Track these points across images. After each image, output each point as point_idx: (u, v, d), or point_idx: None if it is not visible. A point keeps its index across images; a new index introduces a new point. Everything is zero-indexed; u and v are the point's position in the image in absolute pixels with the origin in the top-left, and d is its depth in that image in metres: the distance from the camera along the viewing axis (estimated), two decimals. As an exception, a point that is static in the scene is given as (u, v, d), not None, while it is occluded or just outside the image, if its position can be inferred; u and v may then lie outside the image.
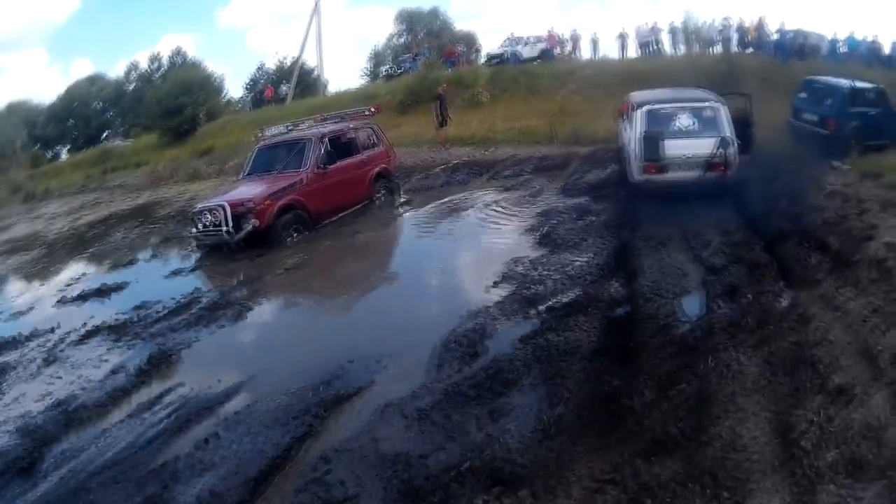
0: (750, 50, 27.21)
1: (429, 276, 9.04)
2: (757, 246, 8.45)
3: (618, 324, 6.45)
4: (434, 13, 51.26)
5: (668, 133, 10.72)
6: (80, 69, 72.43)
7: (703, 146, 10.54)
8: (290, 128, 12.95)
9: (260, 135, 13.07)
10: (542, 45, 32.56)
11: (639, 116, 11.08)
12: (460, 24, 32.21)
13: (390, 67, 42.00)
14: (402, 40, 49.03)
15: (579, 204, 11.72)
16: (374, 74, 45.34)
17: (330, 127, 12.47)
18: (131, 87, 48.10)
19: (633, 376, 5.26)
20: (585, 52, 32.44)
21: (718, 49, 27.80)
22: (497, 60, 32.57)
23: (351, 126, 12.71)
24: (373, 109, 14.46)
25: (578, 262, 8.28)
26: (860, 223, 8.46)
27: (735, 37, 27.85)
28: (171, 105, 33.42)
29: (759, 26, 27.17)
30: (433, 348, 6.08)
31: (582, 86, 26.58)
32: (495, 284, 7.75)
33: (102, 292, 9.70)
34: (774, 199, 10.23)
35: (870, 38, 25.61)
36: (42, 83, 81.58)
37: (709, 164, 10.49)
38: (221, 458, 4.68)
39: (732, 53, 26.61)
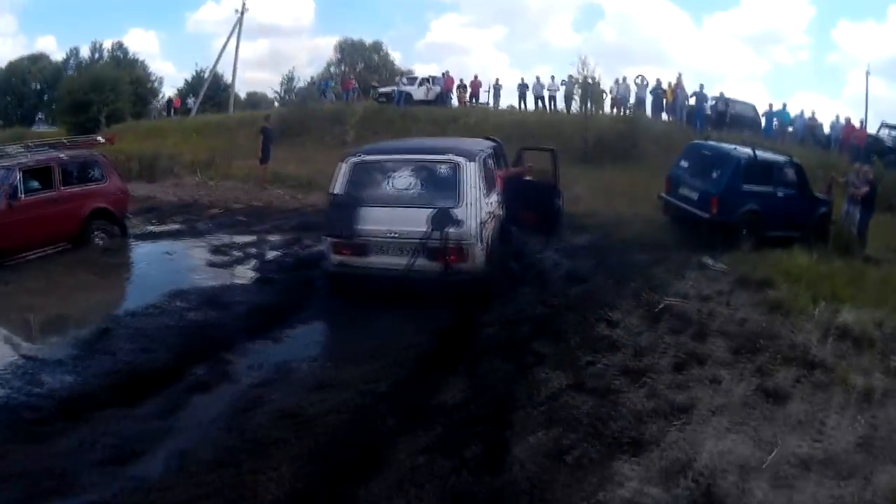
0: (664, 115, 22.40)
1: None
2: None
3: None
4: (376, 47, 49.51)
5: (372, 197, 7.22)
6: (44, 45, 66.62)
7: (419, 221, 6.87)
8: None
9: None
10: (437, 88, 27.63)
11: (341, 171, 7.47)
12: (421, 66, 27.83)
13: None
14: (340, 69, 46.38)
15: (230, 302, 7.25)
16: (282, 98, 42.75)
17: (31, 157, 10.68)
18: (69, 73, 43.61)
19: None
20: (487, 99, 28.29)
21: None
22: (384, 99, 28.67)
23: (62, 157, 10.86)
24: (102, 140, 12.91)
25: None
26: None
27: (650, 98, 23.17)
28: (80, 100, 31.01)
29: (677, 87, 22.53)
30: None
31: (462, 134, 21.65)
32: None
33: None
34: (547, 321, 6.57)
35: (808, 114, 21.21)
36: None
37: (426, 249, 6.80)
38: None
39: (637, 115, 22.63)
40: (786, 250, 9.08)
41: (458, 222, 6.62)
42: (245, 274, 8.81)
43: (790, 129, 22.26)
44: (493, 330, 6.27)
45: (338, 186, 7.26)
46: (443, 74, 28.88)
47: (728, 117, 21.69)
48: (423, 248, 6.66)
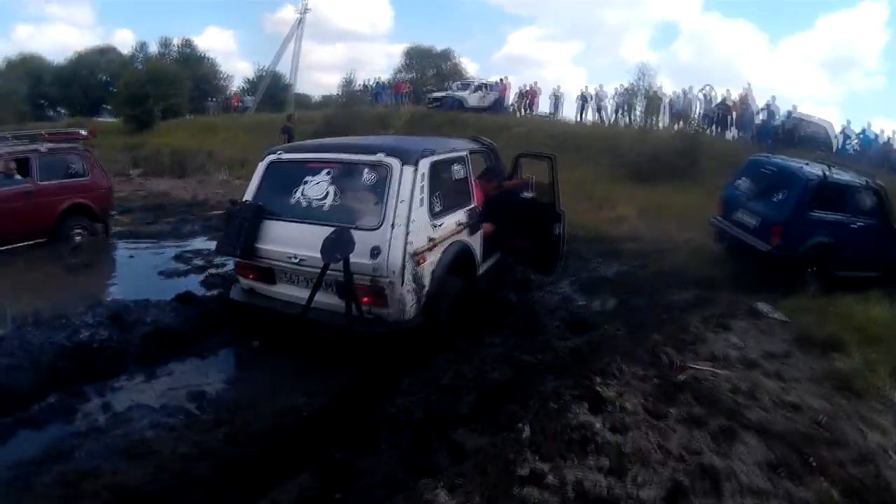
0: (734, 131, 20.20)
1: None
2: None
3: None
4: (445, 55, 48.87)
5: (279, 208, 5.51)
6: (121, 38, 69.11)
7: (363, 245, 4.93)
8: None
9: None
10: (493, 95, 26.08)
11: (256, 172, 5.89)
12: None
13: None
14: (410, 75, 46.14)
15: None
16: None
17: (7, 148, 10.22)
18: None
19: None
20: (545, 109, 26.75)
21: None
22: (437, 104, 27.58)
23: (41, 149, 10.37)
24: (83, 133, 12.04)
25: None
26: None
27: (716, 112, 21.11)
28: (137, 93, 30.56)
29: (744, 101, 20.25)
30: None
31: (509, 144, 20.19)
32: None
33: None
34: (500, 393, 4.72)
35: (885, 136, 19.19)
36: (77, 42, 77.55)
37: (335, 284, 5.01)
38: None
39: (699, 130, 20.35)
40: (861, 296, 7.05)
41: (373, 250, 4.76)
42: (179, 287, 7.36)
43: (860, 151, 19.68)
44: (410, 400, 4.53)
45: (249, 191, 5.69)
46: (499, 81, 27.32)
47: (799, 136, 19.38)
48: (334, 282, 4.92)
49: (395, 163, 5.04)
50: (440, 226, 5.39)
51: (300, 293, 5.06)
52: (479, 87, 27.63)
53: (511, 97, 27.10)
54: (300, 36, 37.21)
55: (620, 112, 23.41)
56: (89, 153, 11.14)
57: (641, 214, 12.23)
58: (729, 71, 60.60)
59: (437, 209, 5.40)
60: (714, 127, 21.38)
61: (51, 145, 10.65)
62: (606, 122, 24.02)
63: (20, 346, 5.31)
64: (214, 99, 42.11)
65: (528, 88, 26.71)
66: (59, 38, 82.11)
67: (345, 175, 5.30)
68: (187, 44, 47.62)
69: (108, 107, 38.60)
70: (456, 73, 46.30)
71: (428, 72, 47.40)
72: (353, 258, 4.61)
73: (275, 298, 5.45)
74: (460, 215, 5.85)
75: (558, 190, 6.70)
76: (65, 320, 5.87)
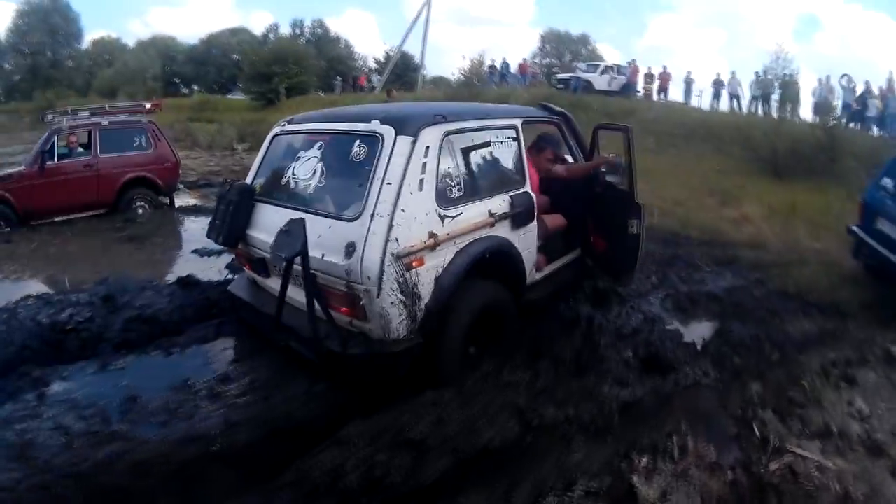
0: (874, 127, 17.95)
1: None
2: None
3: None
4: (583, 39, 47.57)
5: (270, 189, 4.49)
6: (259, 20, 72.57)
7: (337, 239, 3.69)
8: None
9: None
10: (622, 78, 24.02)
11: (263, 146, 4.81)
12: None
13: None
14: (545, 60, 45.70)
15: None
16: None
17: (69, 122, 10.63)
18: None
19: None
20: (676, 95, 24.49)
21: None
22: (562, 86, 26.01)
23: (103, 122, 10.66)
24: (148, 106, 12.28)
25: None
26: None
27: (855, 105, 18.46)
28: (262, 71, 32.10)
29: (888, 92, 17.28)
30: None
31: (636, 129, 18.22)
32: None
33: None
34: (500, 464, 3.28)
35: None
36: (217, 24, 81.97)
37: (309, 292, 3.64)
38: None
39: (839, 122, 17.43)
40: None
41: (348, 247, 3.48)
42: (202, 267, 6.91)
43: None
44: (348, 455, 3.19)
45: (252, 168, 4.69)
46: (628, 63, 25.19)
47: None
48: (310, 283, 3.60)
49: (388, 132, 3.70)
50: (455, 217, 3.88)
51: (292, 291, 3.84)
52: (607, 70, 25.65)
53: (641, 81, 24.82)
54: (428, 16, 36.14)
55: (756, 101, 20.75)
56: (154, 127, 11.11)
57: (769, 215, 10.17)
58: (874, 65, 53.87)
59: (455, 194, 3.95)
60: (854, 122, 18.51)
61: (112, 119, 10.87)
62: (742, 111, 21.51)
63: (4, 322, 5.03)
64: (341, 78, 42.11)
65: (661, 71, 24.35)
66: (193, 20, 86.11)
67: (335, 149, 4.09)
68: (319, 25, 48.74)
69: (241, 85, 39.70)
70: (593, 59, 44.75)
71: (565, 56, 46.10)
72: (327, 256, 3.51)
73: (265, 292, 4.46)
74: (497, 202, 4.30)
75: (635, 174, 5.04)
76: (61, 297, 5.58)
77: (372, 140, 3.74)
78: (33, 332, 4.86)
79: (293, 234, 3.56)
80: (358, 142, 3.82)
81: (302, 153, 4.24)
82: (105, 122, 10.63)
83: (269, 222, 4.08)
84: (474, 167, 4.25)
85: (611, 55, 48.33)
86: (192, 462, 3.37)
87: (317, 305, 3.54)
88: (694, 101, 23.74)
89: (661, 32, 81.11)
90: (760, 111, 20.25)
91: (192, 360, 4.75)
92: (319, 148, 4.13)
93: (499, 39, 79.54)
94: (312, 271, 3.53)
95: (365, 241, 3.41)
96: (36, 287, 6.39)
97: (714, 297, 6.48)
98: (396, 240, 3.47)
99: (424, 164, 3.69)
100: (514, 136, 4.66)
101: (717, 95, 22.64)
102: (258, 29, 50.34)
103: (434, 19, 79.02)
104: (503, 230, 4.34)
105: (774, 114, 18.67)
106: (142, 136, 10.84)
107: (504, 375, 4.04)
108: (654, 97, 24.21)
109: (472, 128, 4.28)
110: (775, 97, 19.34)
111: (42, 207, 9.85)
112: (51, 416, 3.83)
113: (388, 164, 3.57)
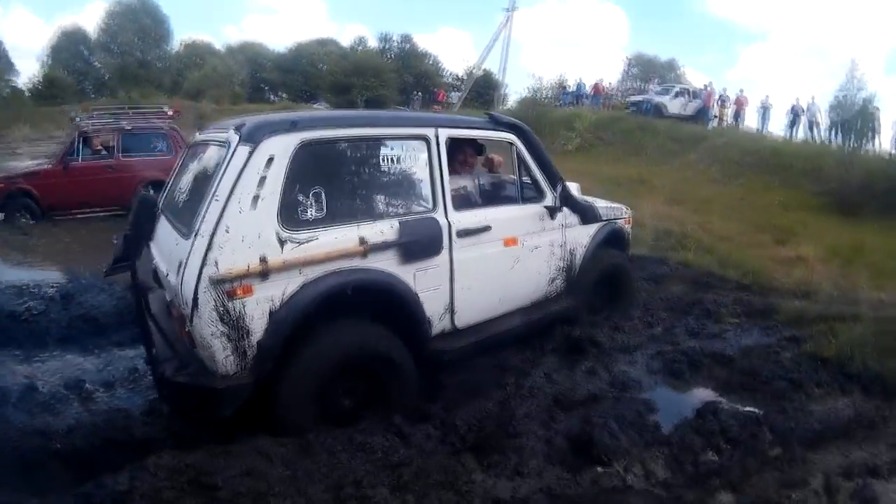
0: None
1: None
2: None
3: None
4: (671, 65, 47.49)
5: (169, 201, 4.11)
6: (353, 32, 74.47)
7: (176, 256, 3.23)
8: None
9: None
10: (697, 102, 22.33)
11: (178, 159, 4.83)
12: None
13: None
14: (635, 84, 45.07)
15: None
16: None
17: (93, 124, 11.29)
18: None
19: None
20: (751, 121, 22.94)
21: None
22: (634, 108, 24.75)
23: (126, 126, 11.24)
24: (170, 112, 12.57)
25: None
26: None
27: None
28: (341, 82, 32.97)
29: None
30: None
31: (706, 158, 17.36)
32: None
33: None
34: None
35: None
36: (310, 34, 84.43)
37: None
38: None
39: None
40: None
41: (178, 266, 3.08)
42: None
43: None
44: None
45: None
46: (704, 87, 23.39)
47: None
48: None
49: (233, 140, 3.20)
50: (303, 243, 3.20)
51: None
52: (681, 93, 23.93)
53: (715, 105, 23.04)
54: (509, 35, 35.71)
55: (835, 128, 18.71)
56: (175, 131, 11.46)
57: (828, 258, 8.62)
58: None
59: (310, 215, 3.28)
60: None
61: (134, 123, 11.39)
62: (817, 140, 19.55)
63: None
64: (419, 93, 41.85)
65: (737, 96, 22.53)
66: (287, 29, 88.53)
67: (202, 159, 3.70)
68: (407, 40, 48.52)
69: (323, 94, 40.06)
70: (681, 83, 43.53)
71: (650, 81, 45.04)
72: (169, 274, 3.24)
73: None
74: (376, 229, 3.48)
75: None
76: (34, 289, 6.03)
77: (223, 150, 3.29)
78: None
79: (117, 247, 3.60)
80: (216, 151, 3.45)
81: (190, 162, 3.95)
82: (128, 126, 11.19)
83: (161, 236, 3.79)
84: (350, 185, 3.51)
85: (698, 81, 46.32)
86: (30, 452, 3.38)
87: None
88: (772, 129, 21.90)
89: (751, 63, 78.88)
90: (837, 140, 18.31)
91: (97, 362, 4.89)
92: (199, 157, 3.79)
93: (590, 62, 79.19)
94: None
95: (186, 262, 3.02)
96: (20, 276, 6.83)
97: (723, 359, 5.06)
98: (216, 262, 2.96)
99: (263, 178, 3.11)
100: (424, 149, 3.75)
101: (793, 123, 20.85)
102: (349, 41, 50.83)
103: (528, 41, 79.28)
104: (384, 263, 3.48)
105: (850, 144, 16.78)
106: (163, 140, 11.24)
107: (359, 436, 3.23)
108: (730, 122, 22.44)
109: (349, 137, 3.51)
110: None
111: (64, 203, 10.60)
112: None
113: (221, 176, 3.10)
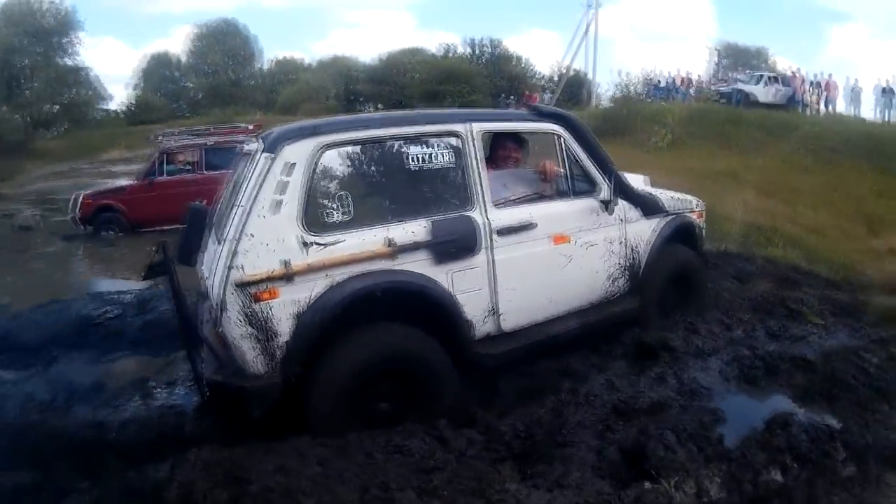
0: None
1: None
2: None
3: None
4: (760, 53, 45.04)
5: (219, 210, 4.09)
6: (442, 39, 74.84)
7: (211, 262, 3.46)
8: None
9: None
10: (787, 89, 21.21)
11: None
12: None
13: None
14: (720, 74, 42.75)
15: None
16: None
17: (176, 142, 11.92)
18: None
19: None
20: (841, 106, 21.91)
21: None
22: (723, 99, 23.49)
23: (207, 143, 11.68)
24: (249, 127, 12.77)
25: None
26: None
27: None
28: (431, 90, 32.93)
29: None
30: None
31: (798, 147, 16.58)
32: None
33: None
34: None
35: None
36: (399, 44, 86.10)
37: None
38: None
39: None
40: None
41: (212, 272, 3.26)
42: None
43: None
44: None
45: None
46: (793, 73, 22.14)
47: None
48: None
49: (258, 149, 3.32)
50: (328, 245, 3.22)
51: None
52: (770, 80, 22.74)
53: (805, 92, 21.79)
54: (597, 32, 34.77)
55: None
56: None
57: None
58: None
59: (335, 218, 3.30)
60: None
61: (216, 139, 11.72)
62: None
63: (57, 312, 6.13)
64: (511, 96, 41.55)
65: (826, 80, 21.25)
66: (375, 41, 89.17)
67: (238, 168, 3.86)
68: (497, 44, 47.80)
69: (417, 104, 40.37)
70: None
71: (739, 68, 42.54)
72: (206, 279, 3.47)
73: None
74: (406, 230, 3.40)
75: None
76: (113, 296, 6.58)
77: (250, 158, 3.39)
78: (70, 321, 5.78)
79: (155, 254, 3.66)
80: (246, 160, 3.52)
81: (232, 175, 4.02)
82: (210, 143, 11.56)
83: (208, 244, 3.89)
84: (378, 186, 3.53)
85: (788, 68, 43.83)
86: (85, 441, 3.64)
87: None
88: (865, 113, 20.51)
89: (841, 44, 74.29)
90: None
91: (163, 363, 5.09)
92: (237, 169, 3.91)
93: (680, 55, 76.67)
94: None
95: (216, 267, 3.17)
96: (102, 286, 7.38)
97: (803, 364, 4.59)
98: (242, 267, 3.06)
99: (285, 183, 3.18)
100: (457, 145, 3.61)
101: (887, 105, 19.76)
102: (438, 49, 50.87)
103: (618, 37, 77.56)
104: (416, 264, 3.40)
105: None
106: None
107: (398, 439, 3.15)
108: (821, 109, 21.19)
109: (373, 138, 3.48)
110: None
111: (149, 218, 10.98)
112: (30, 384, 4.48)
113: (246, 184, 3.23)
